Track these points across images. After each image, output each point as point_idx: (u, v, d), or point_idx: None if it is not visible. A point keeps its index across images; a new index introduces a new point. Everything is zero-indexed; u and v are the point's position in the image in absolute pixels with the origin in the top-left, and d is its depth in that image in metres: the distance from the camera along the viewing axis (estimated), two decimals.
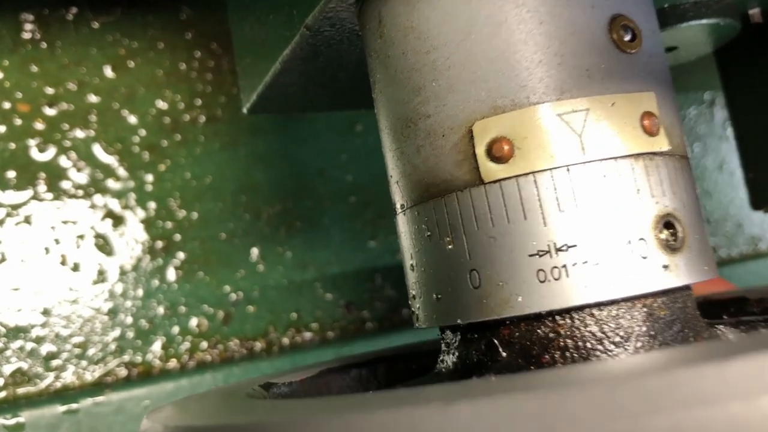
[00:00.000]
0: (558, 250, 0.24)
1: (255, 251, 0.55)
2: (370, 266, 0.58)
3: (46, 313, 0.49)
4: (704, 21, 0.35)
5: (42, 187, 0.50)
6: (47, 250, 0.50)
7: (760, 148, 0.41)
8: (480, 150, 0.25)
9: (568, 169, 0.24)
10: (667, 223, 0.25)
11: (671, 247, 0.25)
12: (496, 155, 0.25)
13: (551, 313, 0.25)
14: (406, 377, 0.36)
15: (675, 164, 0.26)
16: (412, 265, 0.28)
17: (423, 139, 0.26)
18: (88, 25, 0.53)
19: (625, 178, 0.25)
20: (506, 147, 0.25)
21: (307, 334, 0.55)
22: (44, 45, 0.52)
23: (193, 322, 0.53)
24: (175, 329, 0.52)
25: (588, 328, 0.25)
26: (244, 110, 0.38)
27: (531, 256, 0.24)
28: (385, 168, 0.29)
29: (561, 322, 0.25)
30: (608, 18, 0.26)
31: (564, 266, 0.24)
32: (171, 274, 0.53)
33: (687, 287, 0.27)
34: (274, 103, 0.37)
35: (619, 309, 0.25)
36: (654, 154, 0.25)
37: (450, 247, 0.26)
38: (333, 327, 0.56)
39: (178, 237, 0.53)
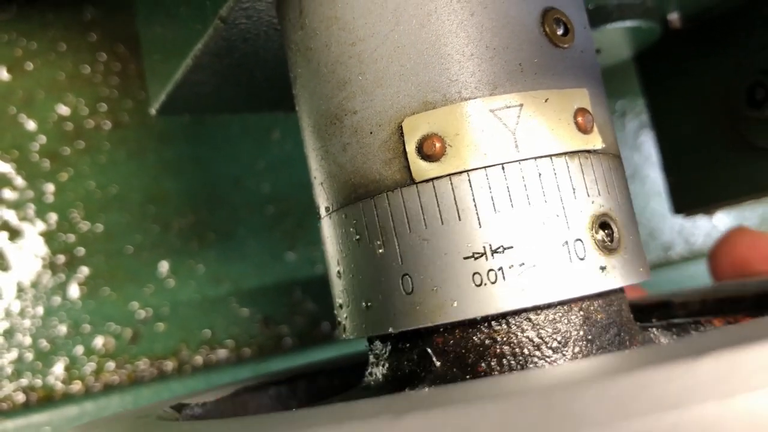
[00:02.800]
0: (494, 252, 0.23)
1: (165, 265, 0.52)
2: (288, 279, 0.56)
3: None
4: (627, 23, 0.35)
5: None
6: None
7: (681, 152, 0.41)
8: (410, 147, 0.24)
9: (502, 168, 0.23)
10: (603, 223, 0.24)
11: (608, 248, 0.24)
12: (427, 153, 0.23)
13: (487, 319, 0.24)
14: (329, 394, 0.34)
15: (609, 163, 0.25)
16: (338, 271, 0.26)
17: (349, 137, 0.25)
18: None
19: (560, 176, 0.24)
20: (438, 144, 0.23)
21: (222, 352, 0.53)
22: None
23: (99, 341, 0.50)
24: (79, 349, 0.49)
25: (525, 334, 0.24)
26: (153, 111, 0.35)
27: (466, 258, 0.23)
28: (308, 170, 0.27)
29: (497, 327, 0.24)
30: (541, 11, 0.25)
31: (500, 269, 0.23)
32: (74, 291, 0.50)
33: (621, 290, 0.26)
34: (185, 103, 0.35)
35: (556, 313, 0.24)
36: (588, 152, 0.25)
37: (381, 251, 0.24)
38: (249, 344, 0.54)
39: (81, 251, 0.50)
